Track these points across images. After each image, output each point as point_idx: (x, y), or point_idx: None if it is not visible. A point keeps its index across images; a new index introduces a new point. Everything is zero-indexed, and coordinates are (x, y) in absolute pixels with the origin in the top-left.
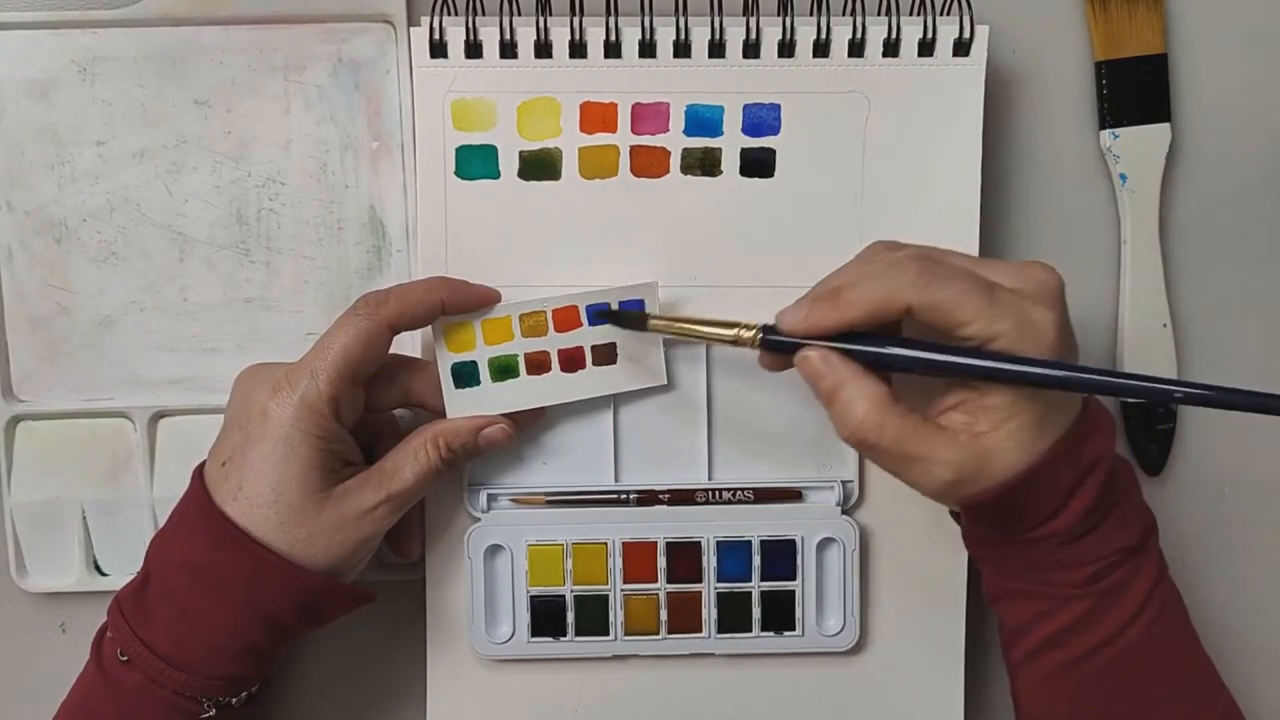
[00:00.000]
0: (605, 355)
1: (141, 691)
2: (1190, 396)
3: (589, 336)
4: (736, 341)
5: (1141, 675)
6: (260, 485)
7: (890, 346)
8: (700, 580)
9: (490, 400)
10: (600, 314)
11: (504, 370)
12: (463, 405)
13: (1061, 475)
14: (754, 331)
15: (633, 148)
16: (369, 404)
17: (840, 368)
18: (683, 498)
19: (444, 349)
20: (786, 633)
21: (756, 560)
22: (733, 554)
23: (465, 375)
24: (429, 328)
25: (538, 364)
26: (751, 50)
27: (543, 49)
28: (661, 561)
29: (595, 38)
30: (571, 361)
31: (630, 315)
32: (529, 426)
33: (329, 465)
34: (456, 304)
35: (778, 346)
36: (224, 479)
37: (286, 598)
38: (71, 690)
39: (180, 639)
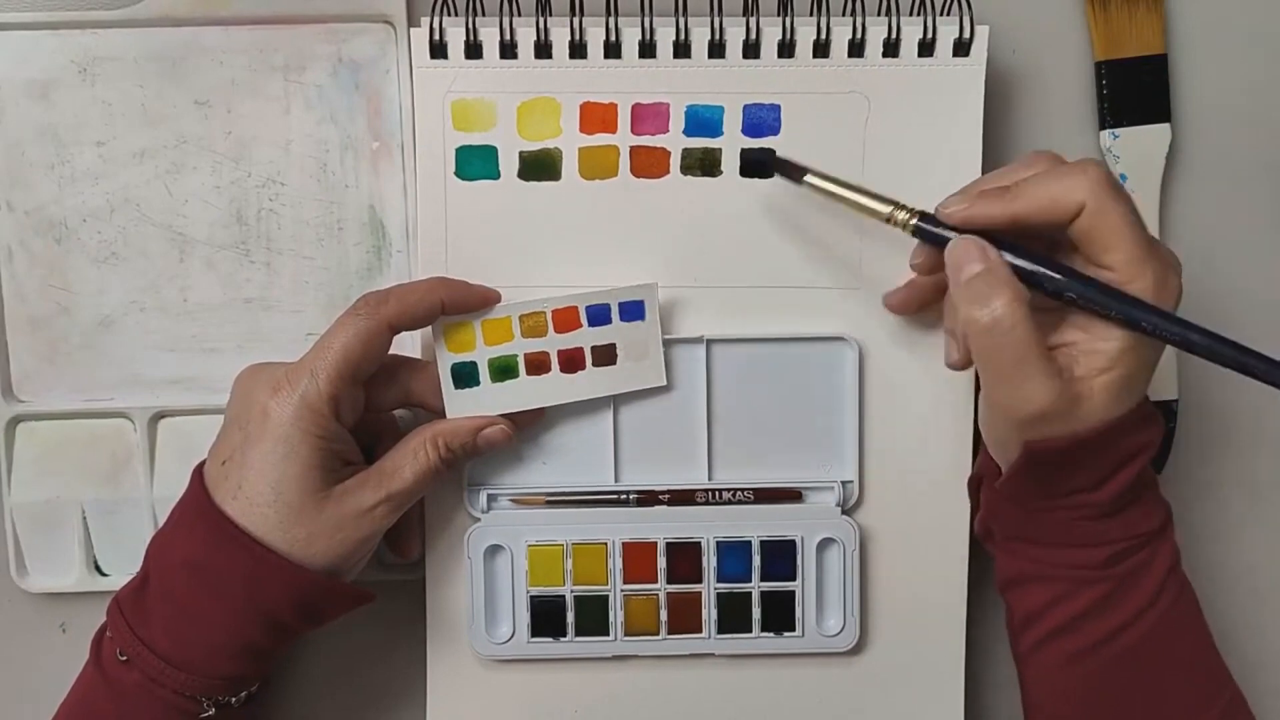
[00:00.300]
0: (605, 356)
1: (141, 691)
2: None
3: (589, 337)
4: (890, 219)
5: (1155, 662)
6: (260, 484)
7: (1049, 266)
8: (700, 580)
9: (490, 400)
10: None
11: (504, 371)
12: (462, 405)
13: (1123, 444)
14: (910, 214)
15: (633, 148)
16: (369, 404)
17: (996, 257)
18: (683, 498)
19: (444, 349)
20: (786, 633)
21: (756, 560)
22: (733, 554)
23: (465, 375)
24: (429, 328)
25: (537, 364)
26: (751, 50)
27: (543, 49)
28: (661, 562)
29: (595, 38)
30: (571, 362)
31: (788, 165)
32: (529, 427)
33: (329, 465)
34: (456, 304)
35: (932, 232)
36: (224, 478)
37: (286, 597)
38: (71, 690)
39: (180, 638)
